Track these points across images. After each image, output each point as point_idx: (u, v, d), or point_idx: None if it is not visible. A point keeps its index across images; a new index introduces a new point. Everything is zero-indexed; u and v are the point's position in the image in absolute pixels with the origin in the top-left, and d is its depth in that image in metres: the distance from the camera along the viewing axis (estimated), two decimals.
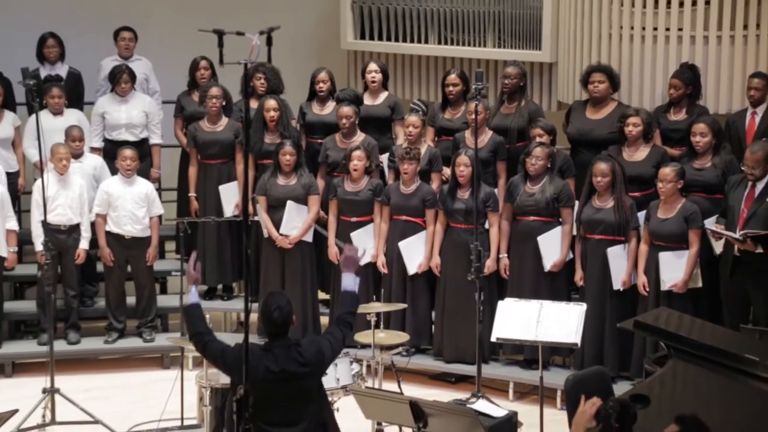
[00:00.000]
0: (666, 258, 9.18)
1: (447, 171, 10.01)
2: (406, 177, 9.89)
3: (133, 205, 10.29)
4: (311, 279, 10.35)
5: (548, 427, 8.36)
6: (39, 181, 9.80)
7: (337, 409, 8.21)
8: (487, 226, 9.71)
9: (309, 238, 10.27)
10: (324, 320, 10.39)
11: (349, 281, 6.70)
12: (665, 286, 9.16)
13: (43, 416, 9.09)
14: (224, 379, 8.12)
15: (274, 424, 6.39)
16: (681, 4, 10.28)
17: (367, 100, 10.88)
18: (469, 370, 9.52)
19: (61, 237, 10.13)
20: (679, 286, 9.12)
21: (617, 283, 9.39)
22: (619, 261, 9.38)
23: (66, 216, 10.18)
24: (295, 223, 10.19)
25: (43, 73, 11.13)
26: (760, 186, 8.98)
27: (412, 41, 12.11)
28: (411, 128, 10.13)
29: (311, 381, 6.40)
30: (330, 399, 8.22)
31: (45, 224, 9.57)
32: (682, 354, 7.49)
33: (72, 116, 10.82)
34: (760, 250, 8.82)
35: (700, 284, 9.19)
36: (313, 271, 10.42)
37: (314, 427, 6.39)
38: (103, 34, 11.64)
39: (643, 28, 10.46)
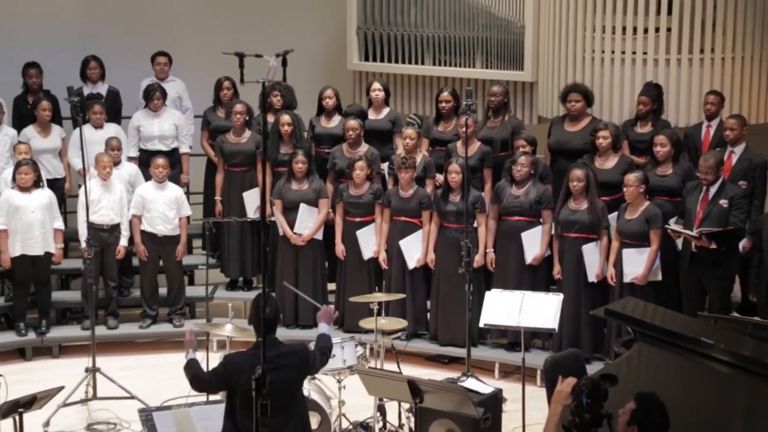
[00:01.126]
0: (628, 254, 9.21)
1: (440, 177, 10.01)
2: (404, 183, 9.91)
3: (165, 207, 10.30)
4: (321, 272, 10.37)
5: (529, 402, 8.33)
6: (84, 188, 9.86)
7: (344, 387, 8.26)
8: (475, 225, 9.70)
9: (320, 236, 10.29)
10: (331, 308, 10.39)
11: (324, 329, 6.70)
12: (627, 278, 9.20)
13: (86, 392, 9.11)
14: None
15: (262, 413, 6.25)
16: (646, 31, 10.32)
17: (371, 115, 10.89)
18: (460, 352, 9.53)
19: (104, 235, 10.14)
20: (639, 279, 9.14)
21: (591, 276, 9.40)
22: (592, 256, 9.40)
23: (108, 216, 10.19)
24: (307, 223, 10.20)
25: (86, 91, 11.13)
26: (713, 190, 9.02)
27: (410, 63, 12.11)
28: (408, 140, 10.14)
29: (293, 375, 6.25)
30: (338, 378, 8.27)
31: (89, 224, 9.62)
32: (646, 338, 7.50)
33: (111, 129, 10.83)
34: (714, 246, 8.85)
35: (659, 278, 9.21)
36: (323, 265, 10.44)
37: (300, 423, 6.30)
38: (142, 57, 11.61)
39: (613, 52, 10.50)
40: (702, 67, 10.33)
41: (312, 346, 6.64)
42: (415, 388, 7.29)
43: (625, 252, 9.20)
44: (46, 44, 11.81)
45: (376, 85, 10.98)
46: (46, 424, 8.66)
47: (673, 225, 9.12)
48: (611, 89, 10.54)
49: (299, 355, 6.31)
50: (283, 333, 9.50)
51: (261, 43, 8.32)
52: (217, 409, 6.99)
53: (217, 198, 10.92)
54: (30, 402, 7.19)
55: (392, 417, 8.48)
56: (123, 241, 10.30)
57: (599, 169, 9.64)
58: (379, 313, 8.80)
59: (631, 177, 9.18)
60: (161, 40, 11.88)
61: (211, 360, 8.80)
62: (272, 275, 10.30)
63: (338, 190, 10.22)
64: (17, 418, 7.16)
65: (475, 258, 9.51)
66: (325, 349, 6.60)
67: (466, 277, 9.12)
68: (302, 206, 10.19)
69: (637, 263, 9.16)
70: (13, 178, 10.01)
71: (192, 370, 6.46)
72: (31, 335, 10.32)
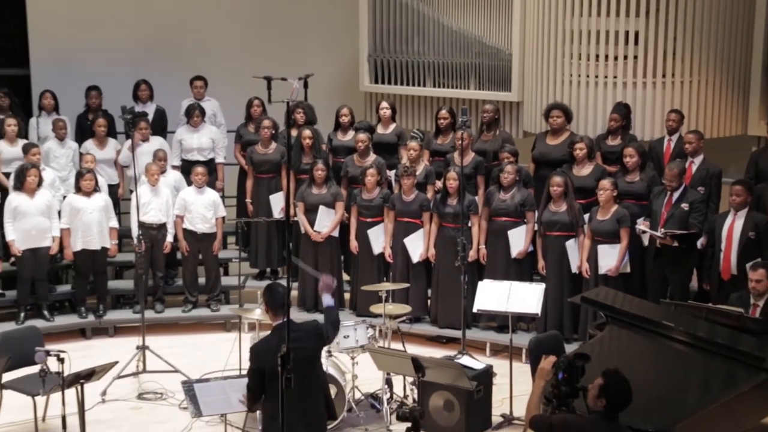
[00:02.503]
0: (602, 250, 9.19)
1: (439, 183, 10.00)
2: (406, 188, 9.90)
3: (203, 209, 10.32)
4: (337, 264, 10.36)
5: (516, 377, 8.35)
6: (135, 192, 9.89)
7: (357, 363, 8.28)
8: (470, 225, 9.70)
9: (336, 233, 10.28)
10: (346, 296, 10.43)
11: (328, 300, 6.50)
12: (602, 270, 9.18)
13: (137, 366, 9.16)
14: None
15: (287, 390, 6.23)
16: (616, 59, 10.33)
17: (380, 130, 10.89)
18: (456, 333, 9.50)
19: (153, 233, 10.16)
20: (612, 271, 9.13)
21: (574, 268, 9.41)
22: (574, 251, 9.40)
23: (157, 217, 10.21)
24: (325, 222, 10.21)
25: (137, 109, 11.13)
26: (676, 195, 9.03)
27: (413, 85, 12.12)
28: (411, 151, 10.15)
29: (311, 351, 6.20)
30: (351, 355, 8.28)
31: (140, 223, 9.65)
32: (616, 321, 7.53)
33: (156, 142, 10.85)
34: (675, 244, 8.86)
35: (628, 270, 9.21)
36: (339, 259, 10.43)
37: (321, 392, 6.28)
38: (183, 80, 11.63)
39: (588, 76, 10.50)
40: (664, 89, 10.34)
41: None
42: (417, 365, 7.33)
43: (600, 248, 9.19)
44: (105, 70, 11.83)
45: (384, 104, 10.99)
46: (103, 393, 8.71)
47: (641, 224, 9.12)
48: (587, 108, 10.53)
49: (314, 331, 6.26)
50: (304, 316, 9.53)
51: (286, 67, 8.29)
52: (245, 382, 7.02)
53: (248, 201, 10.94)
54: (89, 374, 7.25)
55: (398, 389, 8.49)
56: (169, 238, 10.32)
57: (576, 176, 9.63)
58: (386, 300, 8.82)
59: (605, 183, 9.18)
60: (199, 65, 11.90)
61: (242, 339, 8.85)
62: (295, 267, 10.32)
63: (352, 194, 10.23)
64: (79, 388, 7.22)
65: (470, 253, 9.49)
66: (334, 322, 6.45)
67: (462, 269, 9.14)
68: (321, 208, 10.19)
69: (610, 257, 9.15)
70: (75, 185, 10.04)
71: (249, 400, 6.27)
72: (91, 318, 10.34)
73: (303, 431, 6.09)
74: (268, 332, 6.25)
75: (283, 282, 6.30)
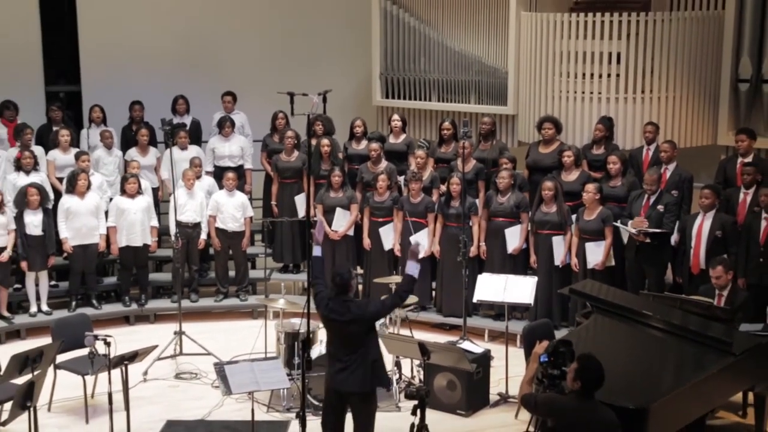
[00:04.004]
0: (590, 246, 9.19)
1: (443, 188, 10.01)
2: (413, 192, 9.90)
3: (234, 210, 10.34)
4: (352, 259, 10.36)
5: (511, 360, 8.34)
6: (173, 195, 9.91)
7: None
8: (470, 224, 9.69)
9: (351, 232, 10.30)
10: (360, 287, 10.38)
11: (411, 267, 6.54)
12: (590, 265, 9.17)
13: (174, 349, 9.18)
14: (294, 327, 8.19)
15: (332, 354, 6.43)
16: (600, 76, 10.33)
17: (391, 140, 10.89)
18: (458, 321, 9.50)
19: (189, 231, 10.18)
20: (599, 266, 9.13)
21: (557, 261, 9.40)
22: (560, 247, 9.39)
23: (192, 217, 10.23)
24: (342, 222, 10.23)
25: (175, 121, 11.15)
26: (652, 198, 9.02)
27: (420, 100, 12.13)
28: (419, 159, 10.15)
29: (355, 328, 6.33)
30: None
31: (177, 222, 9.67)
32: (601, 310, 7.54)
33: (193, 150, 10.88)
34: (648, 240, 8.87)
35: (613, 263, 9.20)
36: (353, 254, 10.43)
37: (359, 362, 6.33)
38: (215, 95, 11.66)
39: (575, 92, 10.49)
40: (643, 103, 10.33)
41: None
42: (423, 349, 7.34)
43: (588, 245, 9.17)
44: (146, 86, 11.87)
45: (395, 116, 10.99)
46: (145, 373, 8.73)
47: (619, 224, 9.12)
48: (574, 120, 10.52)
49: (362, 318, 6.34)
50: None
51: (306, 84, 8.33)
52: (273, 364, 7.04)
53: (273, 203, 10.96)
54: (132, 356, 7.27)
55: (406, 370, 8.52)
56: (203, 235, 10.34)
57: (565, 181, 9.62)
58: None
59: (590, 187, 9.18)
60: (230, 82, 11.91)
61: (268, 327, 8.87)
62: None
63: (365, 197, 10.24)
64: (123, 368, 7.26)
65: (470, 249, 9.50)
66: (402, 292, 6.51)
67: (463, 264, 9.15)
68: (338, 210, 10.21)
69: (596, 253, 9.14)
70: (121, 188, 10.08)
71: (314, 267, 6.65)
72: (134, 306, 10.37)
73: (341, 378, 6.32)
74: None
75: (349, 271, 6.63)
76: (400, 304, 6.77)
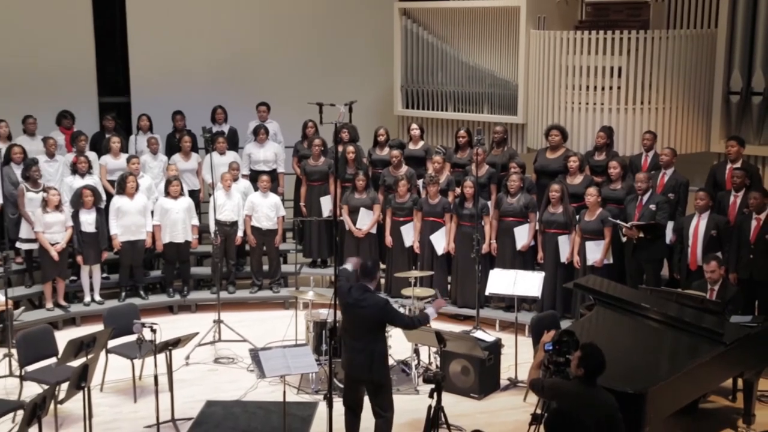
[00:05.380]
0: (590, 245, 9.15)
1: (458, 190, 10.00)
2: (431, 194, 9.90)
3: (267, 210, 10.36)
4: (375, 255, 10.30)
5: (520, 348, 8.34)
6: (212, 196, 9.94)
7: (390, 336, 8.23)
8: (483, 224, 9.69)
9: (374, 230, 10.30)
10: (382, 281, 10.38)
11: (431, 311, 6.67)
12: (589, 262, 9.14)
13: (213, 336, 9.20)
14: (321, 316, 8.20)
15: (345, 341, 6.52)
16: (603, 89, 10.30)
17: (411, 146, 10.89)
18: (472, 312, 9.51)
19: (227, 229, 10.20)
20: (597, 263, 9.09)
21: (563, 258, 9.36)
22: (565, 245, 9.35)
23: (230, 216, 10.24)
24: (365, 221, 10.24)
25: (214, 129, 11.19)
26: (645, 198, 8.97)
27: (437, 110, 12.12)
28: (436, 164, 10.14)
29: (369, 314, 6.35)
30: (387, 330, 8.25)
31: (216, 221, 9.70)
32: (602, 303, 7.53)
33: (230, 156, 10.90)
34: (641, 234, 8.83)
35: (611, 261, 9.15)
36: (376, 250, 10.41)
37: (368, 350, 6.37)
38: (251, 105, 11.70)
39: (580, 103, 10.46)
40: (641, 114, 10.28)
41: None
42: (440, 337, 7.35)
43: (588, 244, 9.13)
44: (188, 97, 11.91)
45: (414, 125, 10.99)
46: (187, 357, 8.78)
47: (617, 221, 9.10)
48: (579, 128, 10.49)
49: (377, 304, 6.39)
50: None
51: (334, 95, 8.35)
52: (303, 350, 7.05)
53: (302, 204, 10.96)
54: (176, 342, 7.30)
55: (424, 357, 8.53)
56: (239, 233, 10.35)
57: (570, 185, 9.59)
58: (415, 285, 8.86)
59: (592, 190, 9.14)
60: (264, 93, 11.95)
61: (298, 316, 8.89)
62: (340, 257, 10.34)
63: (387, 198, 10.23)
64: (168, 353, 7.28)
65: (483, 247, 9.50)
66: (416, 320, 6.63)
67: (476, 260, 9.16)
68: (362, 210, 10.22)
69: (595, 252, 9.10)
70: (165, 190, 10.13)
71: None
72: (177, 297, 10.40)
73: (362, 367, 6.36)
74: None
75: (376, 262, 6.79)
76: (410, 327, 6.82)
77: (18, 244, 9.96)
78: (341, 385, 7.59)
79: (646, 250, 8.92)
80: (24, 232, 9.84)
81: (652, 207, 8.93)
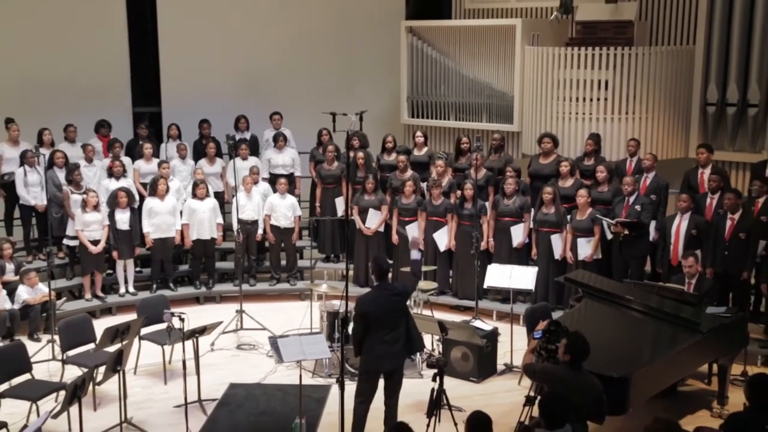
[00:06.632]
0: (581, 242, 9.13)
1: (459, 192, 9.99)
2: (434, 196, 9.88)
3: (285, 210, 10.36)
4: (383, 251, 10.29)
5: (515, 336, 8.36)
6: (235, 197, 9.97)
7: None
8: (481, 223, 9.67)
9: (381, 229, 10.29)
10: (389, 276, 10.37)
11: (415, 254, 6.70)
12: (580, 257, 9.12)
13: (236, 325, 9.22)
14: (334, 307, 8.21)
15: (378, 339, 6.28)
16: (591, 100, 10.30)
17: (416, 152, 10.88)
18: (471, 303, 9.51)
19: (248, 227, 10.20)
20: (588, 258, 9.07)
21: (557, 255, 9.34)
22: (558, 243, 9.33)
23: (251, 215, 10.23)
24: (374, 221, 10.22)
25: (237, 136, 11.21)
26: (631, 199, 8.96)
27: (440, 119, 12.14)
28: (439, 168, 10.12)
29: (400, 303, 6.36)
30: None
31: (239, 220, 9.72)
32: (591, 296, 7.51)
33: (252, 161, 10.89)
34: (626, 231, 8.82)
35: (600, 256, 9.14)
36: (383, 247, 10.39)
37: (403, 336, 6.34)
38: (267, 115, 11.73)
39: (570, 113, 10.48)
40: (626, 122, 10.28)
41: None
42: (442, 326, 7.37)
43: (579, 241, 9.12)
44: (214, 107, 11.92)
45: (419, 133, 10.97)
46: (212, 344, 8.80)
47: (603, 219, 9.08)
48: (569, 136, 10.48)
49: (405, 290, 6.43)
50: (359, 290, 9.55)
51: (346, 105, 8.40)
52: (317, 337, 7.04)
53: (317, 204, 10.96)
54: (202, 330, 7.33)
55: (427, 344, 8.50)
56: (259, 231, 10.35)
57: (561, 187, 9.57)
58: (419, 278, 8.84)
59: (582, 192, 9.12)
60: (282, 103, 11.94)
61: (313, 307, 8.90)
62: (351, 253, 10.36)
63: (394, 200, 10.23)
64: (195, 340, 7.31)
65: (481, 244, 9.49)
66: (417, 273, 6.66)
67: (476, 256, 9.15)
68: (371, 210, 10.21)
69: (586, 248, 9.09)
70: (192, 192, 10.16)
71: (354, 344, 6.37)
72: (203, 289, 10.40)
73: (386, 360, 6.28)
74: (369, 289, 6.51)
75: (384, 257, 6.70)
76: (417, 284, 6.89)
77: (65, 241, 10.02)
78: (352, 370, 7.60)
79: (632, 247, 8.91)
80: (70, 230, 9.90)
81: (638, 207, 8.93)
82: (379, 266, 6.40)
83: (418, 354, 8.13)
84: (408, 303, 8.02)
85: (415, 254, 6.75)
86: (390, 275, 6.59)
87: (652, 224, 9.04)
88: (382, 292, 6.27)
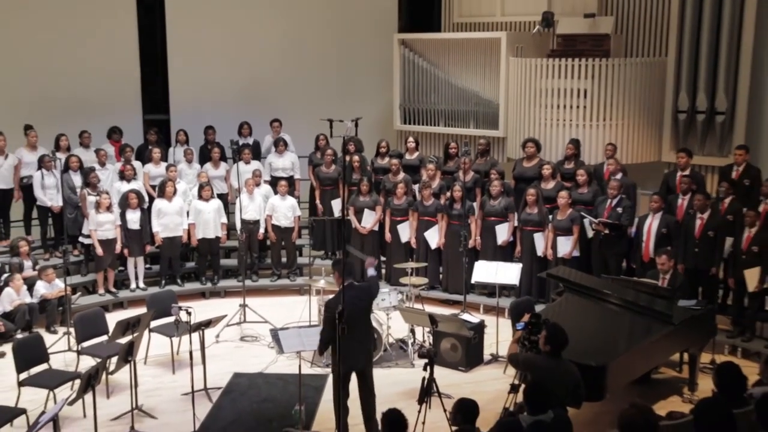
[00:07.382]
0: (561, 240, 9.16)
1: (448, 194, 10.00)
2: (425, 197, 9.90)
3: (286, 210, 10.36)
4: (377, 249, 10.31)
5: (500, 328, 8.36)
6: (238, 199, 9.96)
7: (390, 318, 8.28)
8: (469, 222, 9.69)
9: (376, 228, 10.28)
10: (383, 271, 10.39)
11: (371, 272, 6.68)
12: (559, 254, 9.15)
13: (239, 318, 9.22)
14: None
15: (348, 339, 5.99)
16: (571, 107, 10.33)
17: (408, 156, 10.88)
18: (460, 298, 9.50)
19: (250, 226, 10.20)
20: (567, 254, 9.10)
21: (540, 252, 9.36)
22: (540, 241, 9.36)
23: (253, 215, 10.23)
24: (369, 220, 10.22)
25: (241, 142, 11.18)
26: (614, 202, 8.98)
27: (431, 125, 12.14)
28: (429, 171, 10.15)
29: (366, 303, 6.30)
30: (386, 313, 8.29)
31: (242, 220, 9.70)
32: (571, 290, 7.53)
33: (254, 164, 10.87)
34: (607, 231, 8.84)
35: (577, 254, 9.16)
36: (378, 245, 10.37)
37: (366, 339, 6.33)
38: (268, 121, 11.73)
39: (552, 119, 10.49)
40: (604, 128, 10.31)
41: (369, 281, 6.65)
42: (432, 319, 7.36)
43: (559, 239, 9.16)
44: (218, 114, 11.92)
45: (411, 138, 11.00)
46: (217, 336, 8.81)
47: (586, 219, 9.10)
48: (551, 141, 10.51)
49: (367, 289, 6.34)
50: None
51: (342, 112, 8.40)
52: (315, 330, 7.00)
53: (317, 203, 10.92)
54: (207, 323, 7.31)
55: (419, 336, 8.54)
56: (261, 230, 10.35)
57: (544, 189, 9.60)
58: (411, 274, 8.86)
59: (563, 194, 9.16)
60: (282, 110, 11.91)
61: (312, 301, 8.92)
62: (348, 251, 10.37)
63: (387, 201, 10.24)
64: (201, 332, 7.30)
65: (469, 242, 9.49)
66: (374, 285, 6.50)
67: (464, 253, 9.14)
68: (366, 211, 10.21)
69: (565, 246, 9.12)
70: (198, 193, 10.15)
71: (321, 344, 6.23)
72: (208, 284, 10.40)
73: (360, 356, 6.20)
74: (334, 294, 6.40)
75: (346, 257, 6.52)
76: (379, 288, 6.75)
77: (80, 239, 10.01)
78: (327, 369, 7.54)
79: (610, 245, 8.94)
80: (86, 229, 9.89)
81: (619, 210, 8.96)
82: (347, 264, 6.29)
83: (410, 345, 8.16)
84: (399, 301, 8.09)
85: (371, 271, 6.76)
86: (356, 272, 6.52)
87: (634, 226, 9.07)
88: (351, 292, 6.09)
